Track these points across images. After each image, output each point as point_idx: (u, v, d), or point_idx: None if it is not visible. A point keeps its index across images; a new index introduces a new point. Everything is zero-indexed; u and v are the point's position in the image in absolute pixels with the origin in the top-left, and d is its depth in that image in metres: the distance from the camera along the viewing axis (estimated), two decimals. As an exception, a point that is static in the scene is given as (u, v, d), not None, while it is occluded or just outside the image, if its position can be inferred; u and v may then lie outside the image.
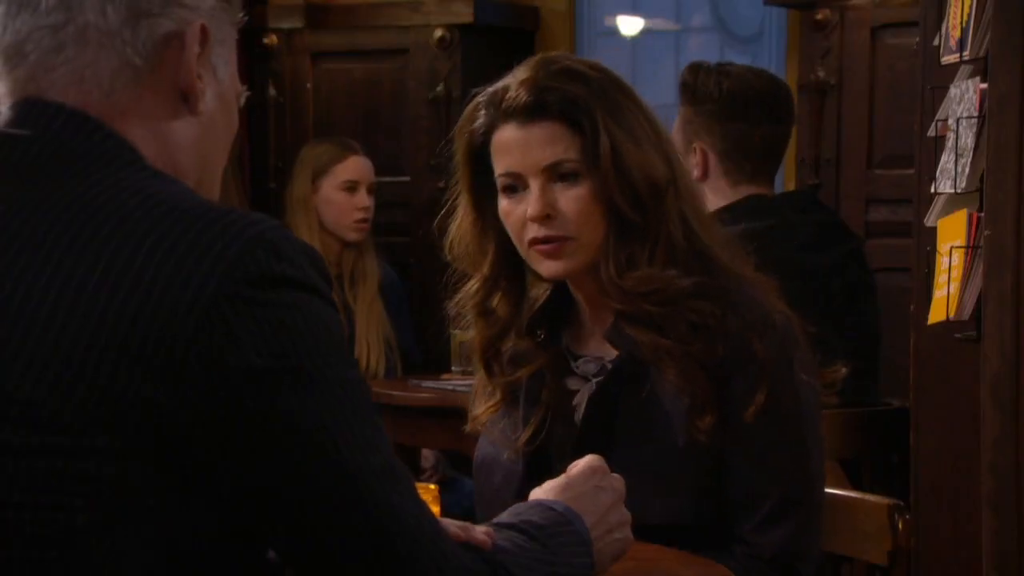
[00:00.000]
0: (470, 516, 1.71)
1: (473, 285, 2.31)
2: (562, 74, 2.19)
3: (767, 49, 5.12)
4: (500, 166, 2.21)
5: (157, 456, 1.31)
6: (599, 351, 2.26)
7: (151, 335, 1.30)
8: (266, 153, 5.36)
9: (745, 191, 3.43)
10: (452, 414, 4.07)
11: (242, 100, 1.55)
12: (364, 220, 4.70)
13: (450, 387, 4.19)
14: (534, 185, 2.19)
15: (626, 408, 2.19)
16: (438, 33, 5.08)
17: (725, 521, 2.18)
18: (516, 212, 2.20)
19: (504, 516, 1.63)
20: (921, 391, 3.05)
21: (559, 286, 2.29)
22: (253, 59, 5.30)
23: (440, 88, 5.08)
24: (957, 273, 2.72)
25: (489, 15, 5.16)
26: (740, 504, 2.15)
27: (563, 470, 1.89)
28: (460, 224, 2.29)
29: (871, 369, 3.49)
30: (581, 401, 2.25)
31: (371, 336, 4.66)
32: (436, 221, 2.34)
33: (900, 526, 2.46)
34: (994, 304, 2.63)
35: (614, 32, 5.38)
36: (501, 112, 2.21)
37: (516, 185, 2.21)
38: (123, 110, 1.43)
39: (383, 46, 5.22)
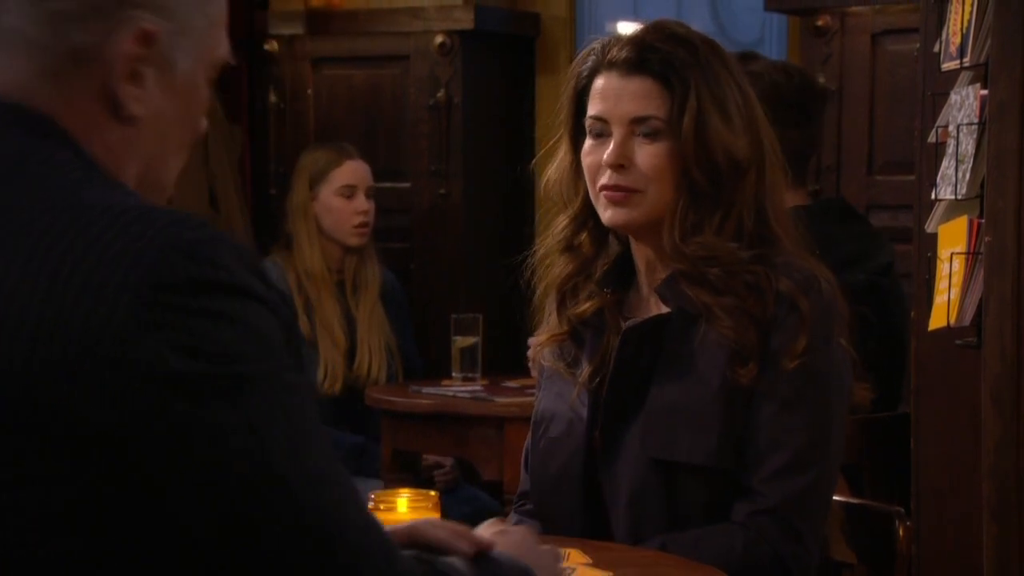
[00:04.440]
0: (469, 521, 1.71)
1: (562, 222, 2.40)
2: (671, 38, 2.30)
3: (767, 55, 5.11)
4: (592, 109, 2.32)
5: (97, 483, 1.26)
6: (649, 315, 2.34)
7: (76, 347, 1.25)
8: (267, 159, 5.37)
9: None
10: (452, 420, 4.08)
11: (230, 61, 1.47)
12: (364, 224, 4.70)
13: (451, 393, 4.19)
14: (616, 134, 2.29)
15: (668, 352, 2.28)
16: (439, 39, 5.08)
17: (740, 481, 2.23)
18: (595, 155, 2.31)
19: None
20: (922, 397, 3.05)
21: (624, 251, 2.38)
22: (254, 65, 5.31)
23: (441, 94, 5.08)
24: (957, 279, 2.73)
25: (490, 21, 5.16)
26: (756, 453, 2.21)
27: (604, 408, 2.20)
28: (559, 164, 2.39)
29: (897, 380, 3.45)
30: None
31: (372, 342, 4.66)
32: (533, 162, 2.48)
33: (901, 532, 2.46)
34: (995, 310, 2.63)
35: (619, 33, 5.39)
36: (605, 61, 2.31)
37: (602, 130, 2.31)
38: (50, 110, 1.37)
39: (384, 52, 5.22)
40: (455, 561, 1.49)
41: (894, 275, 3.52)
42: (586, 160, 2.32)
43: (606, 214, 2.30)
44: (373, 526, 1.36)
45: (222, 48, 1.46)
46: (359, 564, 1.32)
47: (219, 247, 1.29)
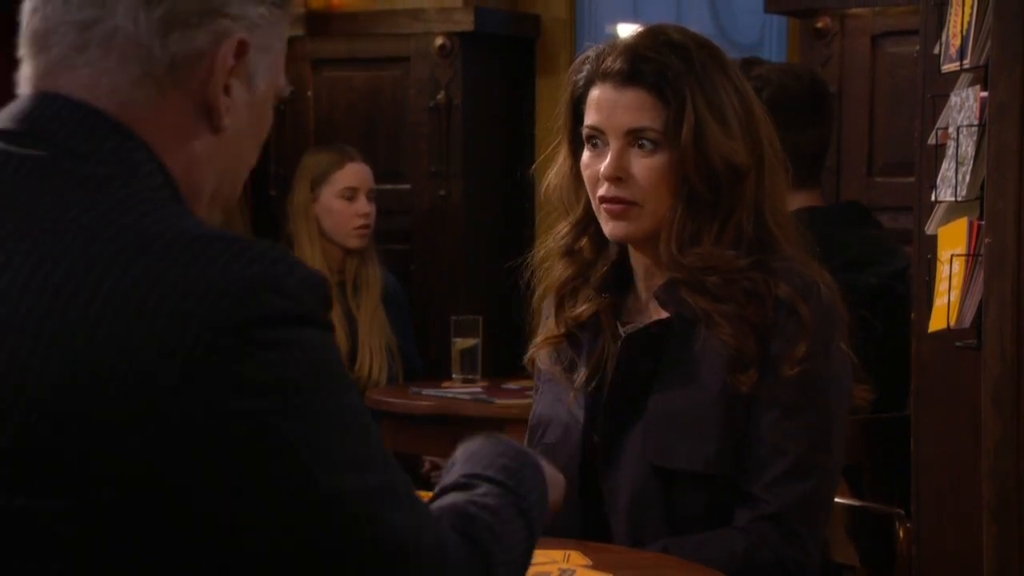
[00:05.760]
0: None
1: (563, 228, 2.40)
2: (665, 46, 2.28)
3: (767, 57, 5.11)
4: (588, 119, 2.31)
5: (147, 507, 1.27)
6: (648, 320, 2.33)
7: (136, 381, 1.25)
8: (267, 161, 5.37)
9: (793, 203, 3.33)
10: (452, 422, 4.08)
11: (286, 93, 1.51)
12: (364, 226, 4.71)
13: (450, 395, 4.19)
14: (613, 145, 2.28)
15: (668, 358, 2.27)
16: (439, 41, 5.09)
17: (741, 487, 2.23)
18: (593, 166, 2.30)
19: (479, 462, 1.60)
20: (922, 398, 3.05)
21: (623, 257, 2.37)
22: (254, 67, 5.30)
23: (441, 96, 5.08)
24: (957, 281, 2.72)
25: (490, 23, 5.16)
26: (757, 459, 2.20)
27: (605, 414, 2.20)
28: (559, 170, 2.39)
29: (905, 383, 3.44)
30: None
31: (373, 343, 4.67)
32: (533, 167, 2.46)
33: (901, 534, 2.47)
34: (995, 312, 2.63)
35: (615, 39, 5.38)
36: (599, 71, 2.30)
37: (598, 140, 2.30)
38: (138, 118, 1.38)
39: (384, 54, 5.22)
40: (487, 497, 1.52)
41: (909, 280, 3.50)
42: (585, 171, 2.31)
43: (607, 227, 2.30)
44: (428, 525, 1.39)
45: (283, 77, 1.49)
46: (417, 567, 1.36)
47: (294, 276, 1.31)
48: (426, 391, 4.27)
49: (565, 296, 2.39)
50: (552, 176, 2.40)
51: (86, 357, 1.26)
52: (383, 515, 1.34)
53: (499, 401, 4.05)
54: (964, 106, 2.75)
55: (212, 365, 1.26)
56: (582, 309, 2.36)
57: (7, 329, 1.28)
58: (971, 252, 2.70)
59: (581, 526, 2.29)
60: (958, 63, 2.77)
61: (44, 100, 1.38)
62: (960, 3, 2.77)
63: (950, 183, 2.76)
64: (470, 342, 4.46)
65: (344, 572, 1.33)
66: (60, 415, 1.26)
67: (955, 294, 2.73)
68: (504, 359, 4.70)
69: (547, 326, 2.41)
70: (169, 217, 1.33)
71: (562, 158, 2.38)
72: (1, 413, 1.27)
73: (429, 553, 1.38)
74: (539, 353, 2.42)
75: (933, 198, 2.85)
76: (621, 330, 2.33)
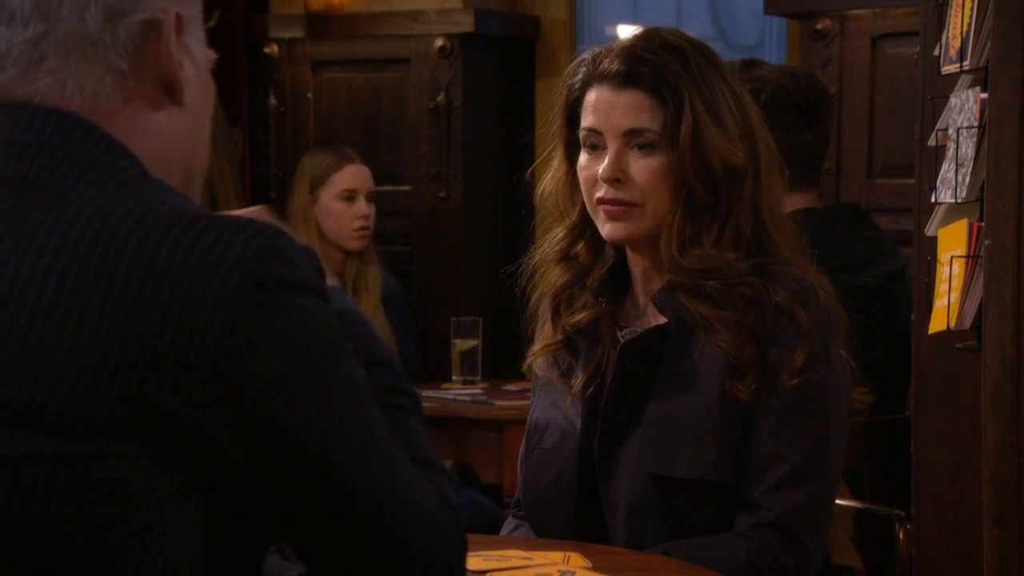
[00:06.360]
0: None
1: (558, 232, 2.39)
2: (662, 48, 2.27)
3: (767, 58, 5.11)
4: (585, 121, 2.30)
5: (177, 463, 1.32)
6: (646, 324, 2.33)
7: (169, 343, 1.30)
8: (267, 162, 5.37)
9: (791, 203, 3.34)
10: (452, 424, 4.08)
11: (210, 64, 1.53)
12: (364, 228, 4.71)
13: (451, 396, 4.19)
14: (611, 147, 2.27)
15: (666, 365, 2.26)
16: (439, 42, 5.08)
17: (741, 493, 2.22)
18: (591, 169, 2.29)
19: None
20: (922, 400, 3.05)
21: (620, 260, 2.36)
22: (254, 68, 5.30)
23: (441, 97, 5.08)
24: (957, 283, 2.72)
25: (490, 24, 5.16)
26: (757, 466, 2.20)
27: (603, 422, 2.18)
28: (554, 174, 2.38)
29: (902, 384, 3.44)
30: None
31: (372, 345, 4.66)
32: (528, 171, 2.46)
33: (901, 536, 2.47)
34: (995, 314, 2.63)
35: (613, 41, 5.38)
36: (596, 73, 2.29)
37: (596, 142, 2.29)
38: (108, 113, 1.42)
39: (384, 55, 5.22)
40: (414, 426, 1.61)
41: (906, 281, 3.50)
42: (582, 173, 2.30)
43: (605, 228, 2.29)
44: (425, 488, 1.45)
45: (206, 44, 1.53)
46: (414, 523, 1.42)
47: (295, 248, 1.37)
48: (426, 393, 4.26)
49: (562, 302, 2.38)
50: (547, 181, 2.39)
51: (90, 356, 1.29)
52: (386, 478, 1.40)
53: (499, 403, 4.06)
54: (964, 108, 2.75)
55: (235, 330, 1.31)
56: (580, 316, 2.35)
57: (14, 319, 1.31)
58: (971, 254, 2.70)
59: (579, 532, 2.29)
60: (958, 65, 2.76)
61: (12, 111, 1.41)
62: (960, 5, 2.77)
63: (950, 185, 2.76)
64: (470, 344, 4.46)
65: (350, 531, 1.38)
66: (64, 409, 1.29)
67: (955, 296, 2.72)
68: (504, 361, 4.70)
69: (544, 332, 2.41)
70: (160, 204, 1.37)
71: (557, 162, 2.37)
72: (44, 371, 1.30)
73: (433, 515, 1.44)
74: (537, 360, 2.41)
75: (933, 200, 2.85)
76: (619, 335, 2.32)
